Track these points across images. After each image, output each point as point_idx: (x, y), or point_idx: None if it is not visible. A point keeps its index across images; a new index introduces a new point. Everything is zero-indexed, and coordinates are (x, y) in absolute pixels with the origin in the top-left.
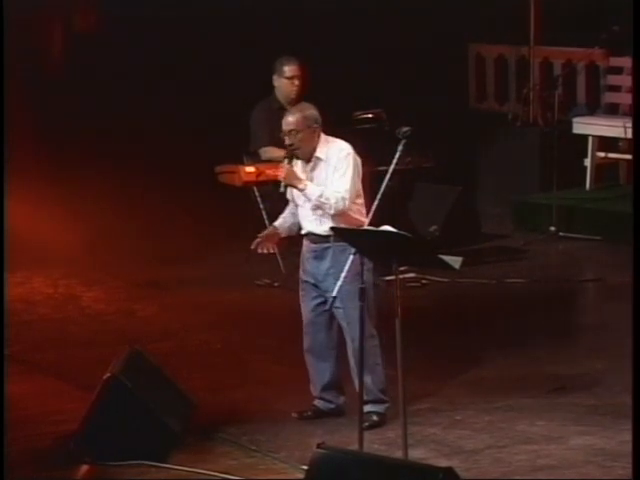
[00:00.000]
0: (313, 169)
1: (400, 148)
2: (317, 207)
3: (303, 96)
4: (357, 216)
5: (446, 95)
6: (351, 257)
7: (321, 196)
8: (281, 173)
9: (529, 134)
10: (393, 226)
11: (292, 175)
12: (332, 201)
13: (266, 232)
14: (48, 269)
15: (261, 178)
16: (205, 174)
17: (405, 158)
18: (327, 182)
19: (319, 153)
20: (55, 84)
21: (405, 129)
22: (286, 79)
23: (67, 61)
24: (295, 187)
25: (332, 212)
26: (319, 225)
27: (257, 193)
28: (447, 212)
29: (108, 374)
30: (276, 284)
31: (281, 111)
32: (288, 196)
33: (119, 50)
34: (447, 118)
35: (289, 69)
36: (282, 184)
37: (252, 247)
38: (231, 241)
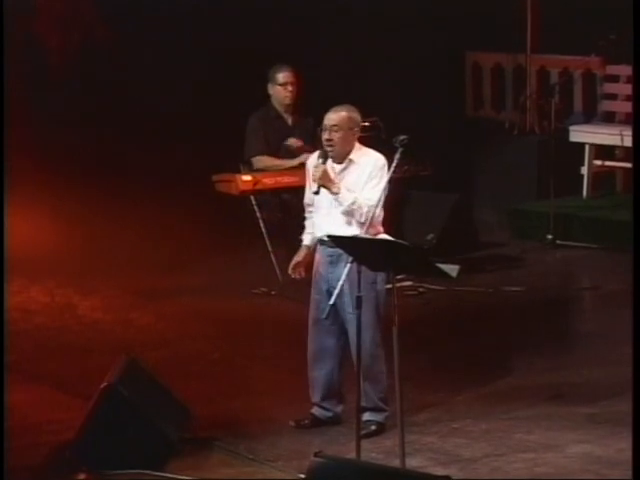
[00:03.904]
0: (343, 171)
1: (397, 156)
2: (347, 213)
3: (298, 102)
4: (378, 227)
5: (443, 103)
6: (348, 265)
7: (354, 203)
8: (316, 173)
9: (526, 142)
10: (390, 234)
11: (327, 177)
12: (364, 209)
13: (302, 254)
14: (44, 278)
15: (258, 187)
16: (202, 183)
17: (402, 166)
18: (356, 187)
19: (353, 156)
20: (54, 93)
21: (402, 137)
22: (279, 86)
23: (67, 71)
24: (329, 189)
25: (362, 220)
26: (347, 229)
27: (254, 202)
28: (444, 220)
29: (105, 383)
30: (273, 292)
31: (278, 120)
32: (307, 200)
33: (117, 58)
34: (444, 126)
35: (282, 76)
36: (315, 184)
37: (290, 272)
38: (228, 250)
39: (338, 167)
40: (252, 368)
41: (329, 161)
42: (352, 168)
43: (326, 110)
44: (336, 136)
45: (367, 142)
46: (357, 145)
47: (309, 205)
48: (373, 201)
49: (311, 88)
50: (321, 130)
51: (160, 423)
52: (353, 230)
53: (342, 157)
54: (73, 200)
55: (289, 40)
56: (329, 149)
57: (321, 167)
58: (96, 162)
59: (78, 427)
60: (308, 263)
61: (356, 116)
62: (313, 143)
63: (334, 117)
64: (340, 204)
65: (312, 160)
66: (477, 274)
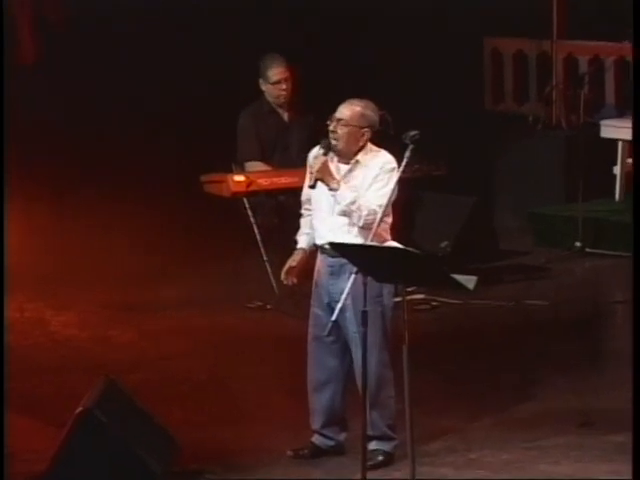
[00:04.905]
0: (348, 173)
1: (407, 154)
2: (345, 214)
3: (295, 98)
4: (385, 235)
5: (459, 95)
6: (353, 276)
7: (353, 203)
8: (314, 164)
9: (552, 138)
10: (399, 241)
11: (327, 170)
12: (364, 212)
13: (297, 258)
14: (13, 291)
15: (252, 188)
16: (189, 184)
17: (412, 165)
18: (360, 189)
19: (360, 157)
20: (39, 97)
21: (412, 133)
22: (272, 85)
23: (57, 74)
24: (327, 184)
25: (360, 224)
26: (348, 235)
27: (247, 205)
28: (460, 226)
29: (81, 408)
30: (269, 306)
31: (272, 115)
32: (304, 196)
33: (102, 58)
34: (460, 120)
35: (274, 73)
36: (312, 177)
37: (282, 277)
38: (218, 259)
39: (343, 168)
40: (245, 391)
41: (334, 160)
42: (358, 170)
43: (333, 104)
44: (341, 131)
45: (374, 138)
46: (368, 146)
47: (306, 202)
48: (374, 206)
49: (316, 81)
50: (327, 124)
51: (142, 453)
52: (355, 237)
53: (347, 156)
54: (46, 205)
55: (290, 31)
56: (333, 141)
57: (321, 158)
58: (74, 166)
59: (50, 457)
60: (303, 269)
61: (371, 115)
62: (314, 143)
63: (345, 111)
64: (338, 203)
65: (314, 151)
66: (497, 286)
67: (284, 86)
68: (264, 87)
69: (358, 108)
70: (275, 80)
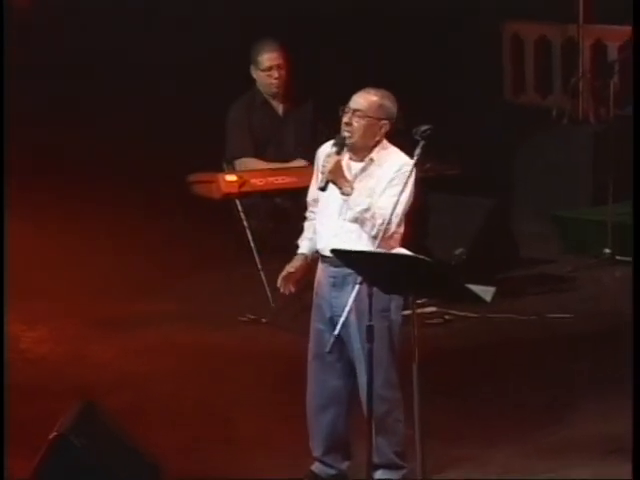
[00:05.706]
0: (362, 172)
1: (418, 151)
2: (356, 221)
3: (291, 89)
4: (394, 244)
5: (475, 85)
6: (356, 287)
7: (367, 210)
8: (327, 164)
9: (578, 133)
10: (409, 249)
11: (340, 171)
12: (378, 220)
13: (296, 264)
14: None
15: (245, 189)
16: (175, 184)
17: (424, 164)
18: (373, 192)
19: (374, 155)
20: (25, 97)
21: (424, 128)
22: (263, 71)
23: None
24: (340, 188)
25: (373, 233)
26: (356, 244)
27: (240, 207)
28: (476, 231)
29: (55, 433)
30: (264, 320)
31: (265, 106)
32: (311, 197)
33: (102, 58)
34: (476, 114)
35: (266, 58)
36: (323, 178)
37: (278, 284)
38: (208, 268)
39: (356, 167)
40: (237, 414)
41: (346, 157)
42: (372, 169)
43: (334, 96)
44: (357, 123)
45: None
46: (384, 142)
47: (313, 204)
48: (388, 213)
49: (321, 70)
50: (327, 114)
51: None
52: (365, 246)
53: (361, 153)
54: (18, 210)
55: (292, 24)
56: (346, 134)
57: (334, 158)
58: (50, 164)
59: None
60: (303, 277)
61: (389, 106)
62: (314, 137)
63: (361, 100)
64: (350, 208)
65: (325, 148)
66: (517, 298)
67: (276, 74)
68: (255, 75)
69: (375, 98)
70: (266, 66)
